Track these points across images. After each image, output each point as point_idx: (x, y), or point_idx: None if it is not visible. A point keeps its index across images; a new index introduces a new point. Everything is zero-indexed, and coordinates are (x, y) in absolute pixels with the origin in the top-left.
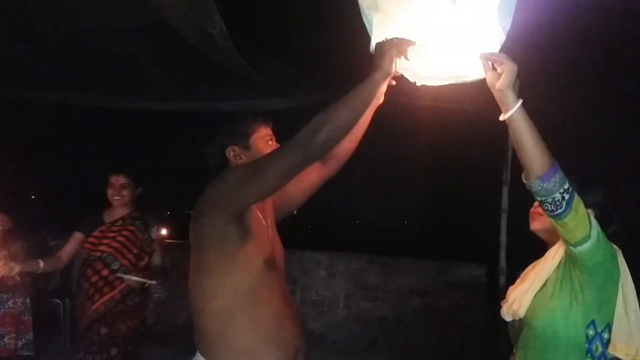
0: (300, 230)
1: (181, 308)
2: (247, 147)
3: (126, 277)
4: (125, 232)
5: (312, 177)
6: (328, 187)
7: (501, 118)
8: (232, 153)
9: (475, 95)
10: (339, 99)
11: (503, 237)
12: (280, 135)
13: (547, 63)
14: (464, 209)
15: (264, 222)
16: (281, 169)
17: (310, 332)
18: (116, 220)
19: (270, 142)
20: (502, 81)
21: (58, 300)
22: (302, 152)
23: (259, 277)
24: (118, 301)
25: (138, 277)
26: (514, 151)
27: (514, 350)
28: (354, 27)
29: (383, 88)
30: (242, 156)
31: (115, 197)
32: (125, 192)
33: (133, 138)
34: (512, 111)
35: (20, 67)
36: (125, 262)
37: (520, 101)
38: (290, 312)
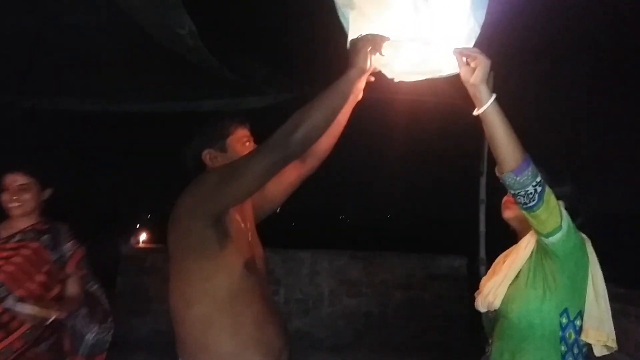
0: (282, 229)
1: (163, 314)
2: (223, 149)
3: (18, 309)
4: (24, 251)
5: (290, 176)
6: (308, 184)
7: (475, 113)
8: (208, 156)
9: (450, 88)
10: (315, 97)
11: (482, 228)
12: (259, 135)
13: (523, 53)
14: (443, 201)
15: (242, 224)
16: (259, 170)
17: (296, 331)
18: (12, 235)
19: (247, 143)
20: (475, 76)
21: None
22: (280, 151)
23: (239, 281)
24: (19, 351)
25: (36, 307)
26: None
27: (490, 342)
28: (330, 23)
29: (361, 84)
30: (219, 159)
31: (13, 205)
32: (26, 197)
33: (105, 141)
34: (485, 106)
35: None
36: (23, 293)
37: (494, 96)
38: (272, 315)
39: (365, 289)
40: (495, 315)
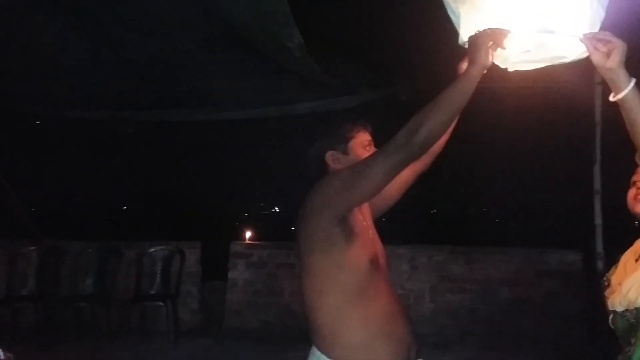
0: (378, 224)
1: (271, 305)
2: (345, 151)
3: None
4: None
5: (405, 174)
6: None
7: (612, 98)
8: (331, 158)
9: (560, 74)
10: (437, 96)
11: (598, 220)
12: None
13: None
14: (552, 192)
15: (364, 222)
16: (383, 171)
17: None
18: None
19: (368, 147)
20: (612, 60)
21: (160, 303)
22: (403, 152)
23: (366, 276)
24: None
25: None
26: (603, 127)
27: (632, 341)
28: (421, 20)
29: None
30: (341, 161)
31: None
32: None
33: (211, 148)
34: (625, 91)
35: (112, 90)
36: None
37: (634, 80)
38: (400, 310)
39: (469, 286)
40: (636, 314)
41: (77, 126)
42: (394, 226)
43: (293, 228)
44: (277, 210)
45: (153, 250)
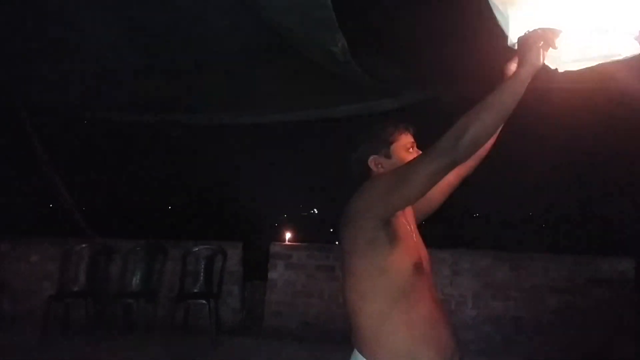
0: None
1: (310, 306)
2: (388, 155)
3: None
4: None
5: (450, 177)
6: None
7: None
8: (373, 162)
9: (609, 72)
10: (484, 99)
11: None
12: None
13: None
14: (603, 197)
15: (408, 226)
16: (427, 175)
17: None
18: None
19: (411, 149)
20: None
21: (203, 301)
22: (448, 156)
23: (410, 280)
24: None
25: None
26: None
27: None
28: (464, 22)
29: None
30: (384, 164)
31: None
32: None
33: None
34: None
35: (160, 95)
36: None
37: None
38: (443, 316)
39: (514, 293)
40: None
41: (127, 129)
42: (435, 229)
43: (332, 230)
44: (316, 212)
45: (197, 249)
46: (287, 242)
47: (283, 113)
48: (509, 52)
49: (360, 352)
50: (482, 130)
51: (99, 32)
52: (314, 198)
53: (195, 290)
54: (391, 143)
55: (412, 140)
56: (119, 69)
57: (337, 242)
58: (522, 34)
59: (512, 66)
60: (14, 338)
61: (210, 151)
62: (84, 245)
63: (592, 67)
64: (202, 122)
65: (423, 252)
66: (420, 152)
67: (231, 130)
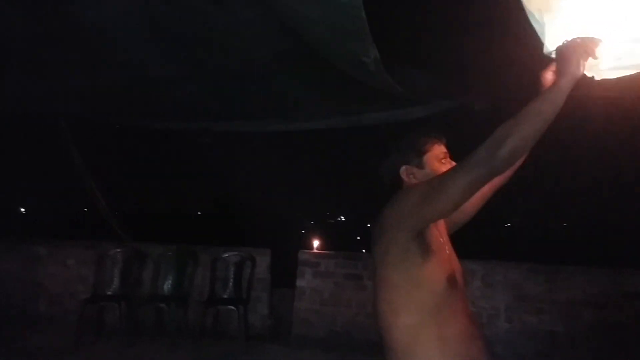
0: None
1: (338, 315)
2: (420, 165)
3: None
4: None
5: (485, 187)
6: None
7: None
8: (405, 172)
9: None
10: (523, 110)
11: None
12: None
13: None
14: (638, 209)
15: (441, 238)
16: (462, 187)
17: None
18: None
19: (444, 160)
20: None
21: (232, 307)
22: (484, 169)
23: (443, 294)
24: None
25: None
26: None
27: None
28: (496, 30)
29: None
30: (416, 175)
31: None
32: None
33: (278, 158)
34: None
35: (192, 102)
36: None
37: None
38: (476, 330)
39: (548, 306)
40: None
41: (161, 137)
42: (466, 240)
43: (359, 238)
44: (343, 220)
45: (226, 255)
46: (315, 250)
47: (312, 121)
48: (543, 61)
49: None
50: (520, 141)
51: (133, 43)
52: (341, 206)
53: (225, 296)
54: (424, 153)
55: (445, 150)
56: (152, 77)
57: (364, 251)
58: (559, 42)
59: (549, 75)
60: (50, 340)
61: (241, 159)
62: (118, 250)
63: (629, 75)
64: (233, 129)
65: (456, 264)
66: (453, 162)
67: (262, 138)
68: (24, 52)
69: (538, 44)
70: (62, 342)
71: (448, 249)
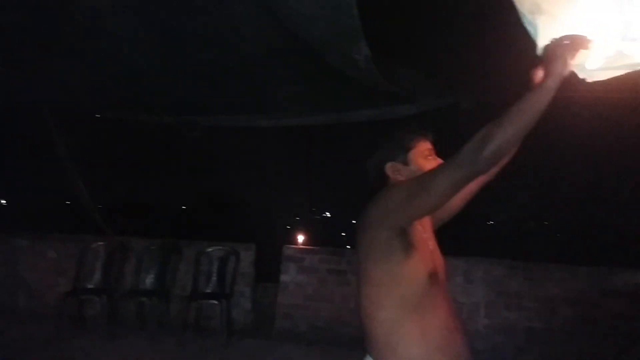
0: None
1: (321, 310)
2: (406, 162)
3: None
4: None
5: (470, 185)
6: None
7: None
8: (391, 169)
9: (632, 82)
10: (509, 109)
11: None
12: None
13: None
14: (618, 208)
15: (424, 234)
16: (446, 187)
17: None
18: None
19: (429, 157)
20: None
21: (215, 302)
22: (469, 167)
23: (424, 289)
24: None
25: None
26: None
27: None
28: (485, 29)
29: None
30: (402, 171)
31: None
32: None
33: (264, 153)
34: None
35: (179, 96)
36: None
37: None
38: (458, 325)
39: (527, 303)
40: None
41: (145, 130)
42: (448, 237)
43: (343, 234)
44: (328, 216)
45: (210, 250)
46: (299, 245)
47: (300, 116)
48: (532, 60)
49: (373, 358)
50: (505, 141)
51: (122, 33)
52: (326, 202)
53: (208, 291)
54: (409, 150)
55: (431, 147)
56: (140, 69)
57: (348, 247)
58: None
59: (539, 74)
60: (30, 333)
61: (226, 153)
62: (100, 243)
63: (617, 76)
64: (221, 124)
65: (439, 260)
66: (439, 159)
67: (248, 133)
68: (5, 40)
69: (528, 43)
70: (41, 335)
71: (431, 245)
